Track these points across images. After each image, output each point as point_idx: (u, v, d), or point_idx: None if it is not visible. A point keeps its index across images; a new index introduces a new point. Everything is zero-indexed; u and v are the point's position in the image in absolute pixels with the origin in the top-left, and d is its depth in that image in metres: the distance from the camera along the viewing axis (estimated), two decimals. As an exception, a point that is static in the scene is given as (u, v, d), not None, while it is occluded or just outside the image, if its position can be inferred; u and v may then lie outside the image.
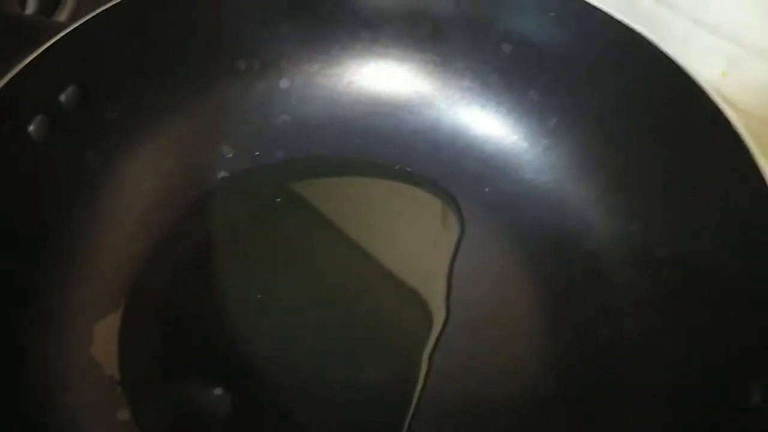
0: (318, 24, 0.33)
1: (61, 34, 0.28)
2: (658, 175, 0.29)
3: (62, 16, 0.36)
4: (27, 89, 0.28)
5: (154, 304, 0.31)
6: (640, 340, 0.28)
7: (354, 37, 0.34)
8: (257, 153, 0.35)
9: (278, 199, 0.34)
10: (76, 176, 0.31)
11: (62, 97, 0.30)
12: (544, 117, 0.32)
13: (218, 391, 0.29)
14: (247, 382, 0.30)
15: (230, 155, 0.35)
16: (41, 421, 0.28)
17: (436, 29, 0.33)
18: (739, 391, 0.24)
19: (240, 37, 0.33)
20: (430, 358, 0.30)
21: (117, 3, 0.29)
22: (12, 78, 0.28)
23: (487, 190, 0.33)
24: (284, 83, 0.35)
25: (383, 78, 0.35)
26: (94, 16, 0.29)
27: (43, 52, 0.28)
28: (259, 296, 0.31)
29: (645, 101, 0.29)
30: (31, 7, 0.35)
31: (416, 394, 0.29)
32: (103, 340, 0.30)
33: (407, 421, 0.28)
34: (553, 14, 0.29)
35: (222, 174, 0.34)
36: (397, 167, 0.34)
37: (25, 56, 0.27)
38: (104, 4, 0.29)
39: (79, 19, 0.29)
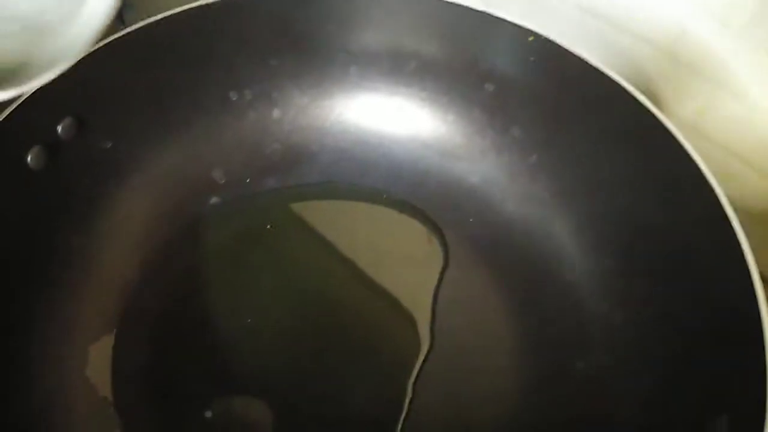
0: (309, 59, 0.34)
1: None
2: (632, 216, 0.30)
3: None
4: (26, 121, 0.29)
5: (146, 327, 0.32)
6: (615, 375, 0.29)
7: (344, 72, 0.35)
8: (249, 180, 0.36)
9: (269, 225, 0.35)
10: (72, 204, 0.32)
11: (59, 128, 0.31)
12: (526, 153, 0.33)
13: (208, 413, 0.30)
14: (236, 406, 0.30)
15: (222, 182, 0.36)
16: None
17: (421, 67, 0.34)
18: (711, 425, 0.25)
19: (232, 70, 0.34)
20: (414, 385, 0.31)
21: (113, 39, 0.30)
22: (12, 111, 0.29)
23: (471, 220, 0.34)
24: (276, 113, 0.36)
25: (371, 111, 0.36)
26: (91, 52, 0.29)
27: (42, 86, 0.29)
28: (249, 320, 0.32)
29: (619, 144, 0.30)
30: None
31: (400, 422, 0.30)
32: (97, 362, 0.31)
33: (392, 447, 0.29)
34: (533, 58, 0.30)
35: (214, 200, 0.35)
36: (384, 196, 0.35)
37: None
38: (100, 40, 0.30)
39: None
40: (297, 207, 0.36)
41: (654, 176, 0.29)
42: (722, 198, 0.26)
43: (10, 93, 0.22)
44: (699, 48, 0.34)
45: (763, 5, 0.31)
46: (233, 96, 0.35)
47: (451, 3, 0.32)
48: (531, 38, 0.30)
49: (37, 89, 0.28)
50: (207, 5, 0.32)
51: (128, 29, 0.31)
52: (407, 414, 0.30)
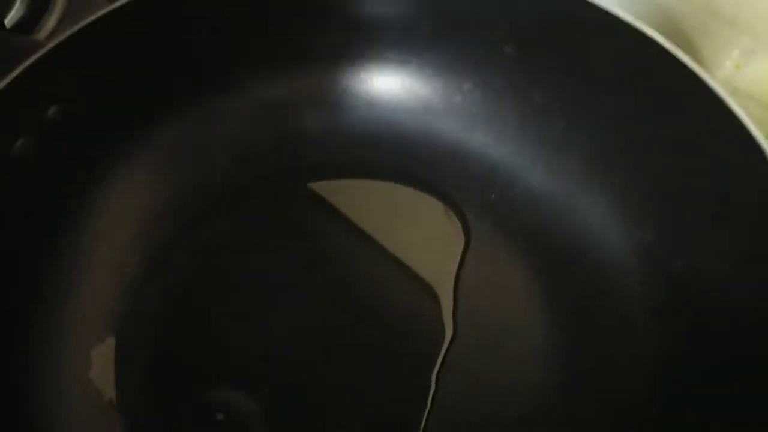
0: (312, 29, 0.31)
1: (42, 52, 0.27)
2: (673, 183, 0.27)
3: (43, 33, 0.34)
4: (9, 109, 0.27)
5: (150, 326, 0.30)
6: (655, 358, 0.26)
7: (349, 42, 0.32)
8: (256, 164, 0.33)
9: (275, 214, 0.33)
10: (66, 196, 0.30)
11: (47, 117, 0.28)
12: (551, 121, 0.31)
13: (219, 416, 0.28)
14: (248, 405, 0.28)
15: (227, 167, 0.33)
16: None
17: (435, 31, 0.31)
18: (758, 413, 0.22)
19: (232, 45, 0.32)
20: (437, 377, 0.28)
21: (98, 17, 0.28)
22: (-8, 99, 0.26)
23: (493, 196, 0.32)
24: (282, 91, 0.33)
25: (381, 83, 0.33)
26: (75, 32, 0.27)
27: (23, 70, 0.26)
28: (260, 313, 0.30)
29: (656, 106, 0.27)
30: (11, 22, 0.34)
31: (424, 416, 0.28)
32: (100, 364, 0.29)
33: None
34: (557, 15, 0.27)
35: (218, 188, 0.33)
36: (399, 173, 0.33)
37: (5, 75, 0.25)
38: (86, 18, 0.28)
39: (61, 35, 0.27)
40: (312, 187, 0.33)
41: (697, 139, 0.26)
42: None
43: None
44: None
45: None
46: (236, 74, 0.33)
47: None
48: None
49: (19, 74, 0.26)
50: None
51: (114, 5, 0.28)
52: (431, 407, 0.28)
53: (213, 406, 0.28)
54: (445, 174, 0.32)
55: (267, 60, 0.32)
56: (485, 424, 0.27)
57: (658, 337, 0.26)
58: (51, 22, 0.37)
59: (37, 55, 0.26)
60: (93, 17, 0.27)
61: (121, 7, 0.28)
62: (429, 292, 0.30)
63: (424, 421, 0.27)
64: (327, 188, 0.33)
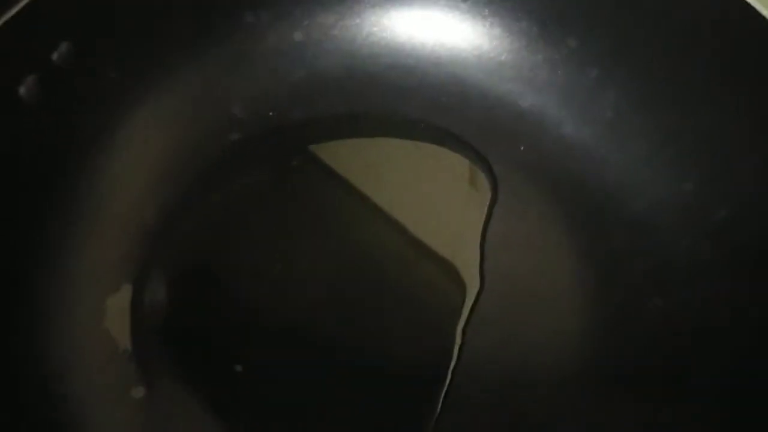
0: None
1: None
2: (718, 130, 0.26)
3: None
4: (13, 47, 0.25)
5: (167, 275, 0.29)
6: (696, 312, 0.25)
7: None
8: (271, 113, 0.32)
9: (294, 162, 0.31)
10: (76, 142, 0.29)
11: (55, 56, 0.27)
12: (585, 67, 0.29)
13: (238, 367, 0.27)
14: (267, 358, 0.28)
15: (242, 116, 0.32)
16: (52, 400, 0.26)
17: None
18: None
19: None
20: (464, 331, 0.27)
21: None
22: (-4, 36, 0.25)
23: (522, 148, 0.30)
24: (298, 36, 0.32)
25: (405, 29, 0.32)
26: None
27: (28, 4, 0.25)
28: (279, 266, 0.29)
29: (700, 46, 0.26)
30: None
31: (450, 369, 0.27)
32: (116, 313, 0.28)
33: (441, 398, 0.26)
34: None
35: (234, 136, 0.31)
36: (422, 125, 0.31)
37: (8, 9, 0.24)
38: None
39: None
40: (325, 141, 0.32)
41: (747, 80, 0.24)
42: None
43: None
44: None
45: None
46: (249, 18, 0.31)
47: None
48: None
49: (23, 7, 0.25)
50: None
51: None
52: (458, 360, 0.27)
53: (231, 358, 0.27)
54: (472, 125, 0.31)
55: (287, 2, 0.31)
56: (513, 377, 0.26)
57: (696, 291, 0.25)
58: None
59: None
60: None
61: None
62: (455, 246, 0.29)
63: (450, 374, 0.26)
64: (349, 145, 0.32)
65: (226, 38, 0.31)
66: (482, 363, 0.27)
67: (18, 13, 0.24)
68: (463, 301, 0.28)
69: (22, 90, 0.26)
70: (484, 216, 0.29)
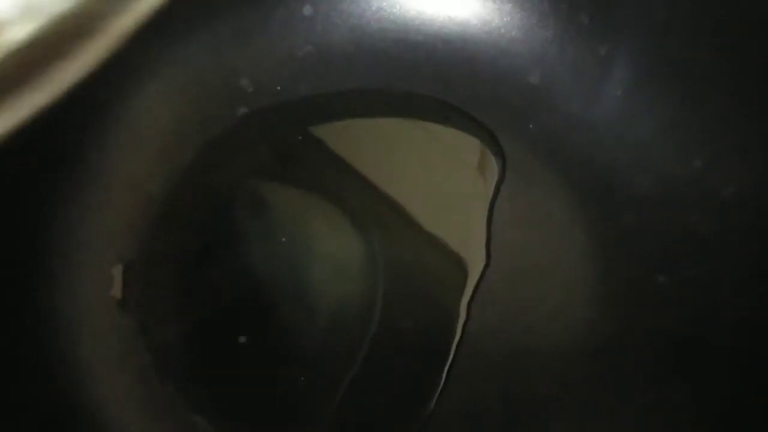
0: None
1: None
2: (728, 107, 0.25)
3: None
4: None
5: (174, 246, 0.29)
6: (703, 288, 0.25)
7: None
8: (279, 87, 0.32)
9: (300, 138, 0.31)
10: (86, 114, 0.29)
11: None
12: (595, 43, 0.29)
13: (242, 339, 0.27)
14: (272, 331, 0.28)
15: (250, 90, 0.32)
16: (56, 368, 0.26)
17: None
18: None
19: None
20: (469, 306, 0.27)
21: None
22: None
23: (531, 125, 0.30)
24: (307, 10, 0.32)
25: (415, 4, 0.31)
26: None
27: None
28: (284, 240, 0.29)
29: (713, 23, 0.25)
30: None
31: (453, 345, 0.27)
32: (123, 283, 0.28)
33: (444, 373, 0.26)
34: None
35: (242, 110, 0.31)
36: (431, 101, 0.31)
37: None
38: None
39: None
40: (332, 118, 0.32)
41: (758, 58, 0.24)
42: None
43: None
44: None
45: None
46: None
47: None
48: None
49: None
50: None
51: None
52: (462, 336, 0.26)
53: (235, 329, 0.27)
54: (480, 101, 0.31)
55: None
56: (517, 353, 0.27)
57: (702, 268, 0.25)
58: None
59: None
60: None
61: None
62: (462, 223, 0.29)
63: (453, 350, 0.26)
64: (356, 122, 0.31)
65: (234, 11, 0.31)
66: (486, 339, 0.27)
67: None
68: (467, 278, 0.28)
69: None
70: (491, 194, 0.29)
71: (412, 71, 0.31)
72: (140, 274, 0.28)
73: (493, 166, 0.30)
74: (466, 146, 0.30)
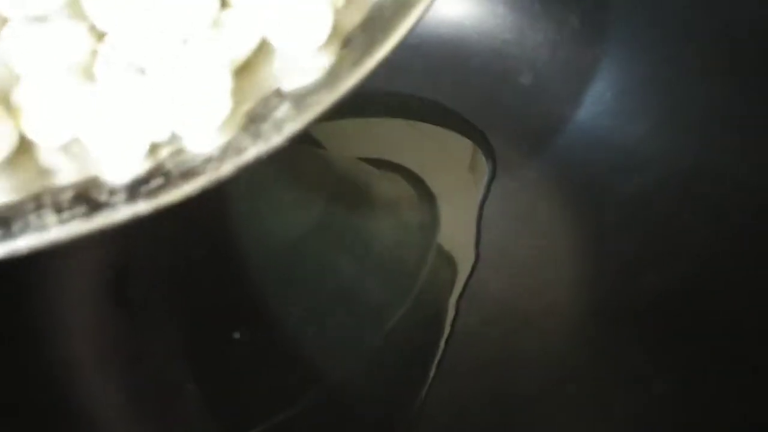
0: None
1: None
2: (719, 109, 0.26)
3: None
4: None
5: (166, 240, 0.29)
6: (696, 286, 0.26)
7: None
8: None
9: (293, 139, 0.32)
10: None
11: None
12: (586, 46, 0.29)
13: (236, 335, 0.28)
14: (265, 325, 0.28)
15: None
16: (50, 368, 0.27)
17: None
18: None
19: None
20: (458, 304, 0.28)
21: None
22: None
23: (522, 126, 0.30)
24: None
25: (409, 4, 0.32)
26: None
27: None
28: (274, 237, 0.29)
29: (704, 25, 0.26)
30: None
31: (442, 342, 0.27)
32: (117, 280, 0.29)
33: (432, 370, 0.27)
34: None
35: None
36: (422, 102, 0.32)
37: None
38: None
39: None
40: (326, 122, 0.32)
41: (748, 61, 0.24)
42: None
43: None
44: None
45: None
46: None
47: None
48: None
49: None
50: None
51: None
52: (450, 333, 0.27)
53: (230, 325, 0.28)
54: (472, 101, 0.31)
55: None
56: (505, 352, 0.27)
57: (693, 268, 0.26)
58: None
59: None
60: None
61: None
62: (451, 222, 0.30)
63: (442, 345, 0.27)
64: (346, 122, 0.32)
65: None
66: (475, 337, 0.27)
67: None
68: (456, 275, 0.28)
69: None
70: (481, 193, 0.30)
71: (404, 72, 0.32)
72: (135, 271, 0.28)
73: (484, 165, 0.30)
74: (457, 146, 0.31)
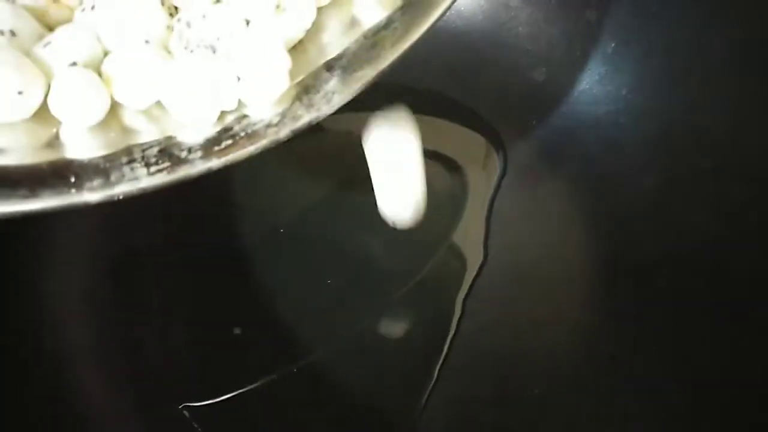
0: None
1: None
2: (738, 109, 0.30)
3: None
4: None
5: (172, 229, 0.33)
6: (706, 290, 0.29)
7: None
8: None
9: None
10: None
11: None
12: (602, 41, 0.33)
13: (237, 330, 0.31)
14: (269, 323, 0.31)
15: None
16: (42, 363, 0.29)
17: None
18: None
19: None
20: (464, 303, 0.31)
21: None
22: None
23: (534, 122, 0.34)
24: None
25: None
26: None
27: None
28: (282, 230, 0.33)
29: (724, 21, 0.30)
30: None
31: (448, 340, 0.30)
32: (111, 278, 0.32)
33: (437, 368, 0.30)
34: None
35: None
36: (435, 95, 0.35)
37: None
38: None
39: None
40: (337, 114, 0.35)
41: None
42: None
43: None
44: None
45: None
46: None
47: None
48: None
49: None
50: None
51: None
52: (456, 332, 0.30)
53: (233, 322, 0.31)
54: (484, 97, 0.35)
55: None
56: (511, 354, 0.30)
57: (707, 270, 0.29)
58: None
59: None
60: None
61: None
62: (459, 219, 0.33)
63: (448, 344, 0.30)
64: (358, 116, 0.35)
65: None
66: (481, 337, 0.31)
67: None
68: (464, 274, 0.32)
69: None
70: (491, 191, 0.33)
71: (417, 64, 0.36)
72: (128, 269, 0.32)
73: (495, 161, 0.34)
74: (469, 141, 0.35)
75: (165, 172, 0.15)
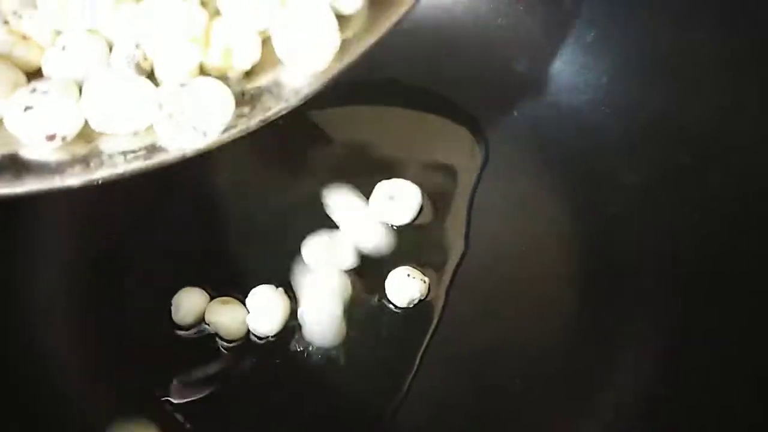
0: None
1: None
2: (720, 99, 0.31)
3: None
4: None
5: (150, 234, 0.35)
6: (693, 281, 0.31)
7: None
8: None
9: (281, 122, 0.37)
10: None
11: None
12: (582, 31, 0.35)
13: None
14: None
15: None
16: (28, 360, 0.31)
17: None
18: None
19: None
20: (447, 292, 0.33)
21: None
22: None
23: (515, 113, 0.36)
24: None
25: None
26: None
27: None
28: (267, 218, 0.35)
29: (705, 7, 0.31)
30: None
31: (430, 330, 0.32)
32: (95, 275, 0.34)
33: (418, 357, 0.32)
34: None
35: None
36: (414, 87, 0.37)
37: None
38: None
39: None
40: (319, 107, 0.37)
41: (751, 47, 0.30)
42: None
43: None
44: None
45: None
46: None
47: None
48: None
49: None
50: None
51: None
52: (438, 322, 0.32)
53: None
54: (465, 88, 0.37)
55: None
56: (491, 345, 0.32)
57: (697, 260, 0.31)
58: None
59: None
60: None
61: None
62: (440, 211, 0.35)
63: (429, 334, 0.32)
64: (342, 110, 0.37)
65: None
66: (462, 328, 0.32)
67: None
68: (445, 264, 0.33)
69: None
70: (473, 182, 0.35)
71: (396, 58, 0.37)
72: (113, 267, 0.34)
73: (477, 152, 0.36)
74: (450, 133, 0.37)
75: (141, 159, 0.17)
